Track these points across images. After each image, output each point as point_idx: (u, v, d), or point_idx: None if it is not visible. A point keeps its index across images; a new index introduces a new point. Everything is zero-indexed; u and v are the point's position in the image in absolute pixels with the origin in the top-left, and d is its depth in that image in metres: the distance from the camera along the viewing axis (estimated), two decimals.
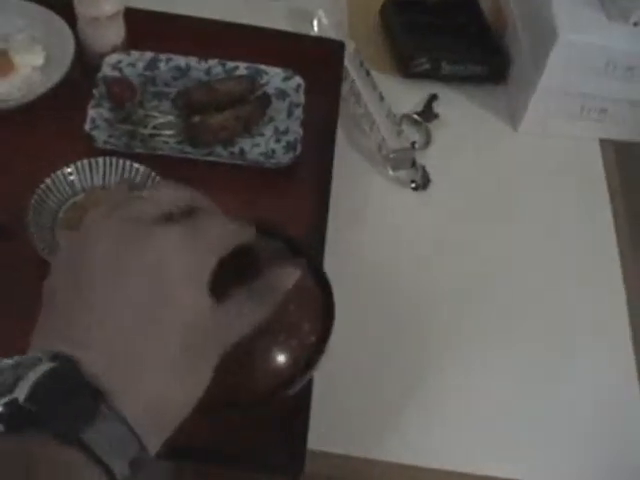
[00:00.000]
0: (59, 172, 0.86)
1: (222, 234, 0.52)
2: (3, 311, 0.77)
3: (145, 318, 0.46)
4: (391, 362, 0.84)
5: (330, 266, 0.79)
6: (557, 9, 1.00)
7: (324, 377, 0.75)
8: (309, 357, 0.64)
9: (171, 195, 0.52)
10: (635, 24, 1.02)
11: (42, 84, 0.95)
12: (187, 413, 0.48)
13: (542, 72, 1.01)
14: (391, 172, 0.98)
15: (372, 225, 0.94)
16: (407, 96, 1.07)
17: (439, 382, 0.83)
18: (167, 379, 0.47)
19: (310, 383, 0.75)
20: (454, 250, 0.94)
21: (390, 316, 0.87)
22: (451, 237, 0.95)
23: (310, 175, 0.93)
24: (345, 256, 0.88)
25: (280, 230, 0.69)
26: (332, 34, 1.09)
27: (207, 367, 0.49)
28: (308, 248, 0.70)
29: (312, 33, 1.10)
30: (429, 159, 1.00)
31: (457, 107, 1.08)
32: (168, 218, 0.50)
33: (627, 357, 0.89)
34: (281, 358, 0.62)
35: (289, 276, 0.55)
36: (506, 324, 0.89)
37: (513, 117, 1.09)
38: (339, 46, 1.04)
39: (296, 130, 0.95)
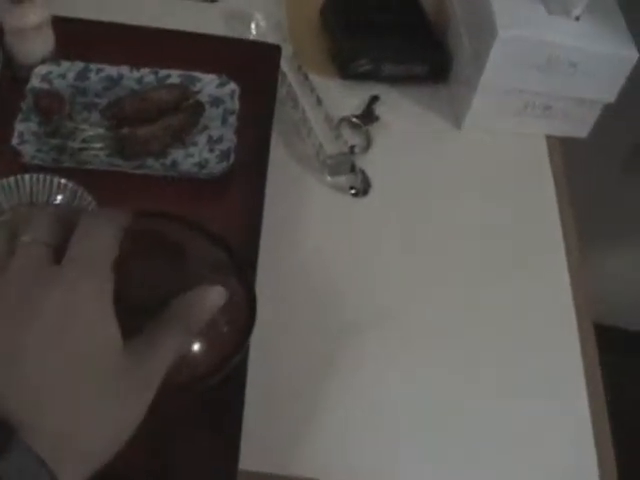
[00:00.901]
0: None
1: (101, 246, 0.51)
2: None
3: (53, 355, 0.47)
4: (328, 374, 0.82)
5: (265, 276, 0.78)
6: (496, 5, 0.99)
7: (258, 392, 0.75)
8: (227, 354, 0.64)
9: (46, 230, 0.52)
10: (577, 18, 1.01)
11: None
12: (108, 449, 0.49)
13: (483, 69, 0.99)
14: (329, 178, 0.96)
15: (309, 233, 0.92)
16: (348, 99, 1.05)
17: (381, 397, 0.81)
18: (75, 415, 0.47)
19: (241, 397, 0.74)
20: (396, 256, 0.92)
21: (328, 326, 0.85)
22: (393, 243, 0.93)
23: (244, 183, 0.91)
24: (281, 265, 0.87)
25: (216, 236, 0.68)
26: (270, 37, 1.07)
27: (123, 406, 0.49)
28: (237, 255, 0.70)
29: (250, 36, 1.08)
30: (369, 163, 0.98)
31: (399, 108, 1.06)
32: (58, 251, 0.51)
33: (575, 361, 0.88)
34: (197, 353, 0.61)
35: (211, 303, 0.54)
36: (450, 329, 0.88)
37: (456, 116, 1.07)
38: (275, 50, 1.02)
39: (230, 138, 0.92)
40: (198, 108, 0.95)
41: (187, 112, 0.94)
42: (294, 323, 0.84)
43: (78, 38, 0.98)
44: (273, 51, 1.02)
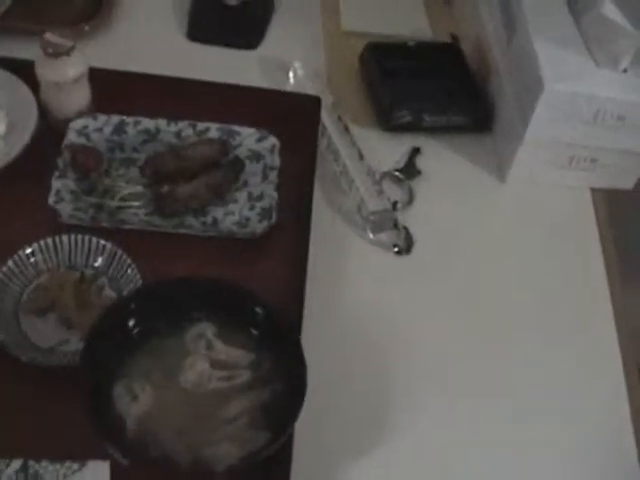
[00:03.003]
0: (21, 253, 0.82)
1: None
2: None
3: None
4: (368, 426, 0.81)
5: (309, 334, 0.77)
6: (542, 57, 0.96)
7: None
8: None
9: None
10: (625, 70, 0.98)
11: (4, 154, 0.90)
12: None
13: (528, 123, 0.97)
14: (371, 235, 0.93)
15: (352, 292, 0.90)
16: (388, 150, 1.03)
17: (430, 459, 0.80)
18: None
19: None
20: (441, 314, 0.90)
21: (370, 382, 0.84)
22: (437, 301, 0.91)
23: (286, 242, 0.89)
24: (324, 323, 0.85)
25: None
26: (309, 85, 1.05)
27: None
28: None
29: (288, 85, 1.06)
30: (412, 218, 0.96)
31: (441, 160, 1.04)
32: None
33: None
34: None
35: None
36: (493, 385, 0.86)
37: (500, 168, 1.04)
38: (315, 101, 1.00)
39: (271, 195, 0.90)
40: (238, 164, 0.93)
41: (226, 169, 0.92)
42: (337, 379, 0.82)
43: (114, 89, 0.97)
44: (313, 103, 1.00)
